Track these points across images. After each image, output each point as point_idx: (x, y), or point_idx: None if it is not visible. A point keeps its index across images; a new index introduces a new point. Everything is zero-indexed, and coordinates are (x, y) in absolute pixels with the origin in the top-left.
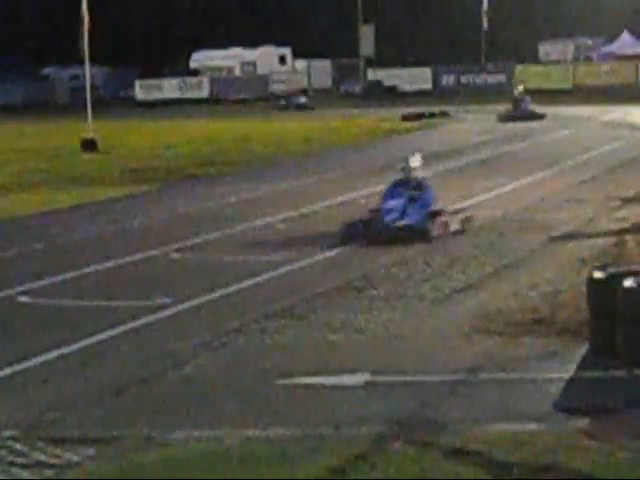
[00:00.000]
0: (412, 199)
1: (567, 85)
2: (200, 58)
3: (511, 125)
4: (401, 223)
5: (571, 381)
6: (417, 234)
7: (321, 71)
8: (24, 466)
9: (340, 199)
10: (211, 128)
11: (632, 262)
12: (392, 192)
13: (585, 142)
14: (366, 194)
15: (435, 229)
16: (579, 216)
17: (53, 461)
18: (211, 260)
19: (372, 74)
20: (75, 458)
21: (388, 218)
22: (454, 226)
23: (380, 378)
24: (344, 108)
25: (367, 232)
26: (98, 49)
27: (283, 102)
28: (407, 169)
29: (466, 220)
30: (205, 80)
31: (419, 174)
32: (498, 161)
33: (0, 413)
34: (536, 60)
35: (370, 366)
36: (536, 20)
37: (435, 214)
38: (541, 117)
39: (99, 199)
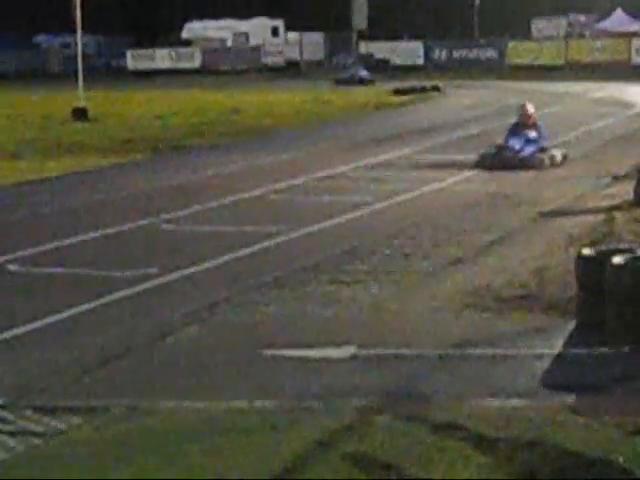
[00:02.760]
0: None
1: (559, 61)
2: (193, 28)
3: (504, 100)
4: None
5: (558, 357)
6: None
7: (313, 44)
8: (11, 434)
9: (329, 172)
10: (203, 99)
11: (621, 239)
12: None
13: (576, 119)
14: (353, 167)
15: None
16: (568, 193)
17: (40, 429)
18: (202, 231)
19: (364, 47)
20: (62, 426)
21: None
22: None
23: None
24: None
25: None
26: (91, 18)
27: (347, 75)
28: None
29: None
30: (197, 51)
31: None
32: (489, 136)
33: None
34: (529, 36)
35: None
36: None
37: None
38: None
39: (89, 168)
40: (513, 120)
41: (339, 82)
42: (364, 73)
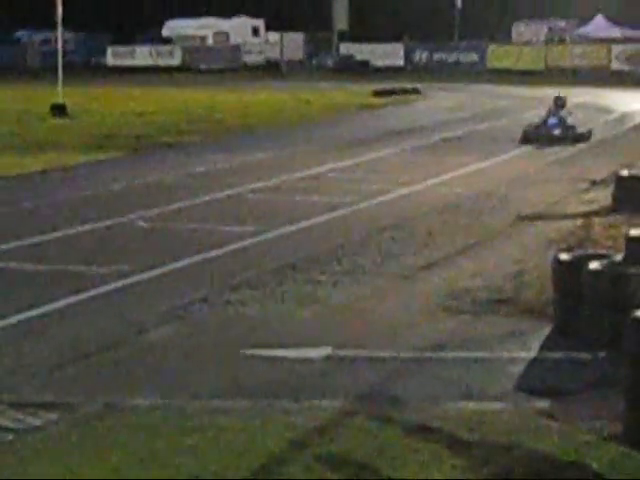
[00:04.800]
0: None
1: (539, 66)
2: (173, 26)
3: (484, 104)
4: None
5: (534, 361)
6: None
7: (294, 44)
8: None
9: (306, 172)
10: (182, 97)
11: (598, 244)
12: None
13: None
14: (331, 168)
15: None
16: (547, 197)
17: (14, 425)
18: (179, 229)
19: (345, 48)
20: (36, 422)
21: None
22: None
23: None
24: (315, 81)
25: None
26: (71, 14)
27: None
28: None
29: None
30: (177, 48)
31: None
32: (468, 139)
33: None
34: (509, 40)
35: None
36: (511, 0)
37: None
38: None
39: (67, 164)
40: (494, 123)
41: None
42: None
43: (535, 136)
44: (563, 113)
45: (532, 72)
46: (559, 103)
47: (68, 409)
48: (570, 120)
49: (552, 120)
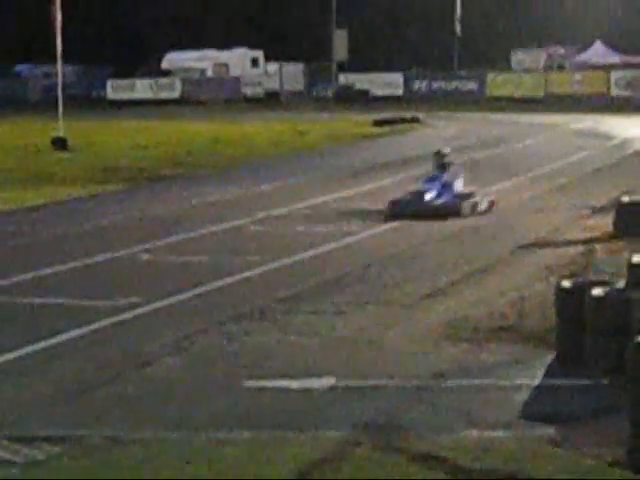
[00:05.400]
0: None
1: (539, 93)
2: (172, 59)
3: (483, 132)
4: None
5: (537, 389)
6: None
7: (293, 74)
8: None
9: (307, 203)
10: (182, 129)
11: (600, 271)
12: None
13: (556, 151)
14: (332, 199)
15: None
16: (548, 224)
17: (18, 459)
18: (181, 261)
19: (344, 78)
20: (40, 456)
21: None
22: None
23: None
24: (315, 112)
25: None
26: (71, 47)
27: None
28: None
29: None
30: (177, 81)
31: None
32: (469, 168)
33: None
34: (508, 68)
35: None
36: (509, 28)
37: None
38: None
39: (68, 198)
40: (493, 151)
41: None
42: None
43: (407, 209)
44: (447, 176)
45: (532, 99)
46: (439, 162)
47: (72, 442)
48: (458, 185)
49: (428, 186)
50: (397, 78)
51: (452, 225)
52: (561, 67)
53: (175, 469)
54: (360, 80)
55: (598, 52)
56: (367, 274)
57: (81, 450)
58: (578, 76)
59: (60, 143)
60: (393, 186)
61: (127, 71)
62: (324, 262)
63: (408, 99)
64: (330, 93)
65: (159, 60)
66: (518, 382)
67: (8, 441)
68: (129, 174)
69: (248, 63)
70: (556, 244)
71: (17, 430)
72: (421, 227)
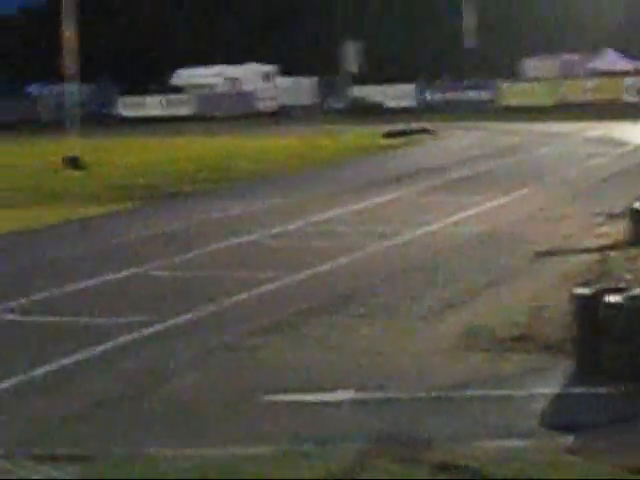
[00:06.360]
0: None
1: (552, 101)
2: (184, 75)
3: (497, 141)
4: None
5: (556, 397)
6: None
7: (305, 88)
8: None
9: (322, 216)
10: (195, 145)
11: (616, 278)
12: None
13: (569, 158)
14: (347, 211)
15: None
16: (563, 232)
17: (38, 478)
18: (197, 277)
19: (356, 90)
20: (61, 476)
21: None
22: None
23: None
24: (328, 124)
25: None
26: (81, 66)
27: None
28: None
29: None
30: (189, 97)
31: None
32: (482, 178)
33: None
34: (521, 76)
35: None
36: (521, 36)
37: None
38: None
39: (82, 217)
40: (508, 160)
41: None
42: None
43: None
44: None
45: (545, 108)
46: None
47: (92, 461)
48: None
49: None
50: (410, 89)
51: (467, 233)
52: (573, 75)
53: None
54: (373, 92)
55: (610, 59)
56: (381, 288)
57: (100, 468)
58: (591, 83)
59: (73, 162)
60: (408, 197)
61: (138, 88)
62: (340, 275)
63: (421, 110)
64: (342, 106)
65: (169, 77)
66: (536, 391)
67: (28, 461)
68: (143, 192)
69: (260, 78)
70: (571, 251)
71: (37, 449)
72: (435, 237)
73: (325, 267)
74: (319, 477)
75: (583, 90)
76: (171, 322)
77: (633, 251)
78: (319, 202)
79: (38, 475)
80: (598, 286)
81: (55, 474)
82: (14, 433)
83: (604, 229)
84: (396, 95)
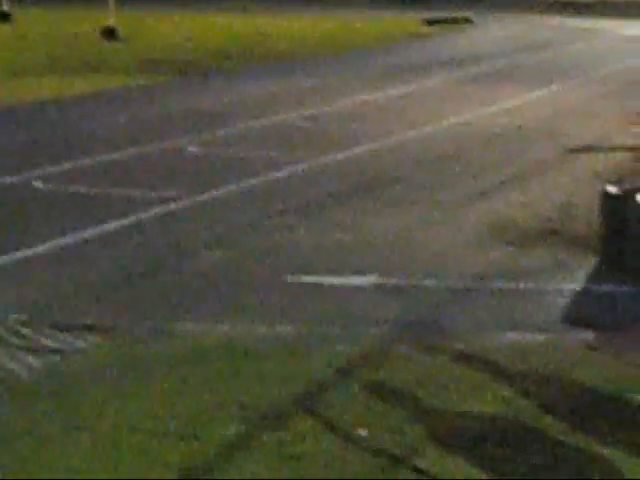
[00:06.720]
0: None
1: None
2: None
3: (536, 35)
4: None
5: (580, 293)
6: None
7: None
8: (30, 350)
9: (356, 99)
10: (233, 22)
11: None
12: None
13: (607, 55)
14: (382, 96)
15: None
16: (596, 129)
17: (59, 346)
18: (228, 155)
19: None
20: (82, 345)
21: None
22: None
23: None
24: (365, 9)
25: None
26: None
27: None
28: None
29: None
30: None
31: None
32: (518, 70)
33: (9, 297)
34: None
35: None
36: None
37: None
38: None
39: (116, 87)
40: (545, 54)
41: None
42: None
43: None
44: None
45: (586, 4)
46: None
47: (114, 332)
48: None
49: None
50: None
51: (500, 124)
52: None
53: (213, 363)
54: None
55: None
56: (412, 175)
57: (122, 340)
58: None
59: (110, 33)
60: (444, 85)
61: None
62: (369, 161)
63: None
64: None
65: None
66: (561, 286)
67: (50, 329)
68: (178, 66)
69: None
70: (604, 149)
71: (60, 318)
72: (469, 128)
73: (355, 151)
74: (340, 360)
75: None
76: (199, 199)
77: None
78: (355, 85)
79: (58, 343)
80: (628, 184)
81: (76, 343)
82: (38, 300)
83: (638, 129)
84: None
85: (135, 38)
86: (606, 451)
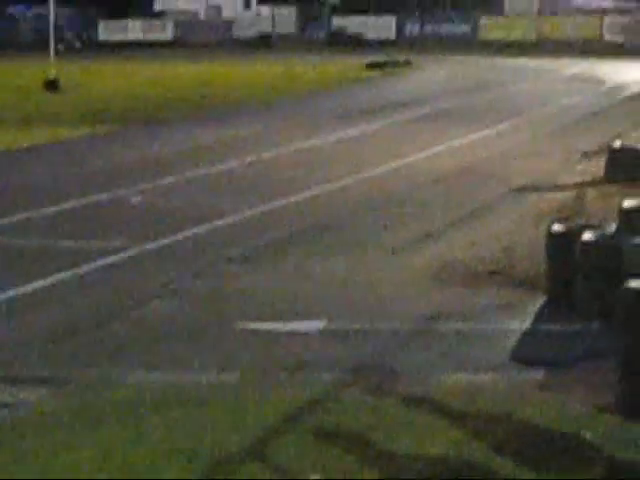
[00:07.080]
0: None
1: (532, 38)
2: (165, 0)
3: (476, 75)
4: None
5: (528, 333)
6: None
7: (286, 17)
8: None
9: (298, 146)
10: (174, 71)
11: (591, 216)
12: None
13: (548, 95)
14: (325, 142)
15: None
16: (540, 169)
17: (7, 400)
18: (172, 203)
19: (337, 21)
20: (30, 397)
21: None
22: None
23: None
24: (308, 55)
25: None
26: None
27: None
28: None
29: None
30: (169, 23)
31: None
32: (459, 111)
33: None
34: (501, 12)
35: None
36: None
37: None
38: None
39: (58, 140)
40: (486, 94)
41: None
42: None
43: None
44: None
45: (525, 44)
46: None
47: (61, 383)
48: None
49: None
50: (389, 21)
51: (445, 166)
52: (554, 12)
53: (161, 412)
54: (353, 23)
55: None
56: (359, 218)
57: (69, 391)
58: (571, 20)
59: (52, 84)
60: (387, 128)
61: (119, 12)
62: (312, 205)
63: (401, 43)
64: (322, 36)
65: (152, 2)
66: (509, 326)
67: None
68: (120, 116)
69: (240, 5)
70: (548, 188)
71: (7, 371)
72: (411, 170)
73: (299, 197)
74: (290, 406)
75: (564, 27)
76: (145, 248)
77: (610, 189)
78: (298, 131)
79: (6, 396)
80: (573, 223)
81: (23, 396)
82: None
83: (582, 166)
84: (376, 27)
85: (77, 89)
86: None
